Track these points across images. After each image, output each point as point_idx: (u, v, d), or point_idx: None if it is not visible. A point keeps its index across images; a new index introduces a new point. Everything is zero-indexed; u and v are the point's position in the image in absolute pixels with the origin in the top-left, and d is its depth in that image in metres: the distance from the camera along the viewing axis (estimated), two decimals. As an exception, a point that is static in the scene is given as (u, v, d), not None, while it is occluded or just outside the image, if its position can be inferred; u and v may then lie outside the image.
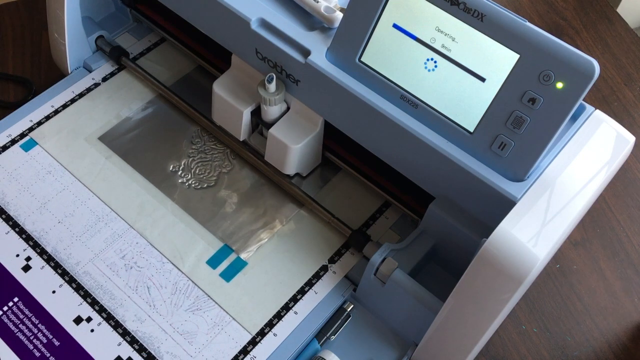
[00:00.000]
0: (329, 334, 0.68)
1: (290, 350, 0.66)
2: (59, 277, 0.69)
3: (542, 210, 0.61)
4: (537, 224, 0.60)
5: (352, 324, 0.69)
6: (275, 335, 0.67)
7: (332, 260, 0.72)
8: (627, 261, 0.79)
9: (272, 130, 0.74)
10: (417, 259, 0.69)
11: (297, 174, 0.78)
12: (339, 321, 0.69)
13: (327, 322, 0.68)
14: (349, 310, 0.69)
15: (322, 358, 0.65)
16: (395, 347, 0.68)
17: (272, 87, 0.71)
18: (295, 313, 0.68)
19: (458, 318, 0.62)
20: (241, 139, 0.79)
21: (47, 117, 0.81)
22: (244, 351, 0.66)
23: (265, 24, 0.71)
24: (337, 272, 0.71)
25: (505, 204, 0.61)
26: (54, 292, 0.68)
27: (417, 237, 0.70)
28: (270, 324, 0.68)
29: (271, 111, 0.74)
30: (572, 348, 0.73)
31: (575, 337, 0.73)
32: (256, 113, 0.76)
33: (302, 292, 0.70)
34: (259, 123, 0.77)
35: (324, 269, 0.71)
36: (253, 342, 0.66)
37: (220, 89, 0.77)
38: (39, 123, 0.80)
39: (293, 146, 0.73)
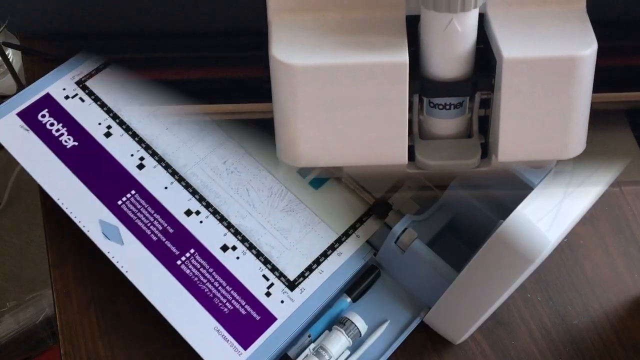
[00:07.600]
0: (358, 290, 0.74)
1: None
2: (169, 175, 0.79)
3: (558, 196, 0.66)
4: (552, 209, 0.65)
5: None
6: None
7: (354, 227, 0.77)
8: (631, 239, 0.83)
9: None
10: (435, 231, 0.74)
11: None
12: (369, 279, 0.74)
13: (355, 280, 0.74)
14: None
15: (348, 318, 0.70)
16: (409, 309, 0.74)
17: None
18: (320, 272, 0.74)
19: (470, 289, 0.68)
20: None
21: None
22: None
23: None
24: (360, 237, 0.76)
25: (523, 188, 0.66)
26: (166, 188, 0.78)
27: (437, 210, 0.75)
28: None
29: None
30: (572, 317, 0.78)
31: (575, 307, 0.78)
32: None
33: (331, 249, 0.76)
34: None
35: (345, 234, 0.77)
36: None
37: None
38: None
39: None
